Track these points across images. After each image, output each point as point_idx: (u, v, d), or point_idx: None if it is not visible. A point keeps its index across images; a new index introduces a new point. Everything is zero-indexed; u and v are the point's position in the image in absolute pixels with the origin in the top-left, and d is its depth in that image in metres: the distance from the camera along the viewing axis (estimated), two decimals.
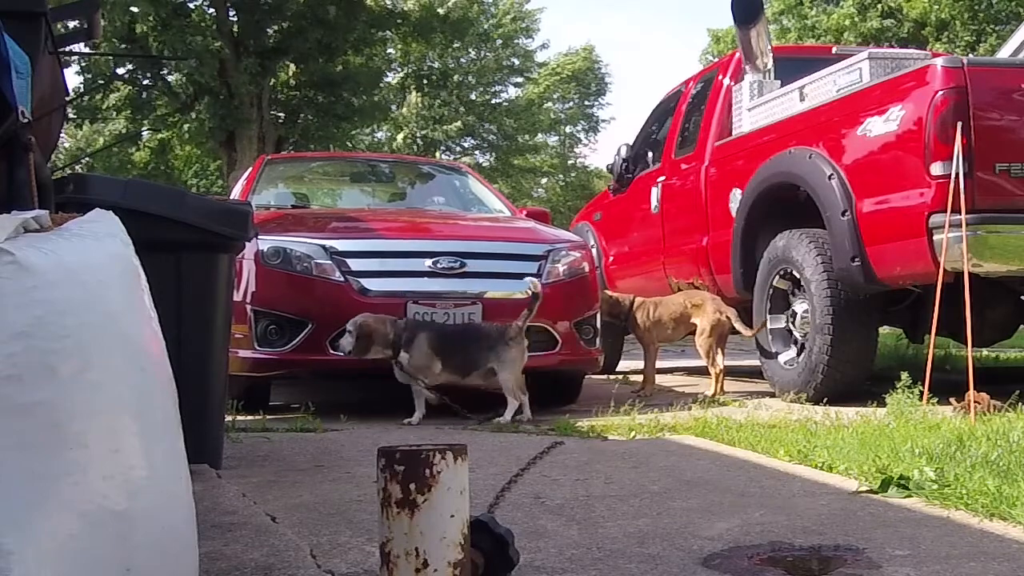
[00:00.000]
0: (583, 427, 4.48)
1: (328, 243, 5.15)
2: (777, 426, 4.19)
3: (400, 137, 31.32)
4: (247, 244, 3.70)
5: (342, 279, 5.04)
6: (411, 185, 7.84)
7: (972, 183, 4.50)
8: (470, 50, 33.32)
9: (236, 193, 6.90)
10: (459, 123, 31.92)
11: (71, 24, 3.08)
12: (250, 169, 7.24)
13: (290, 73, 20.05)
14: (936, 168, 4.58)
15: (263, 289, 5.10)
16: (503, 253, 5.40)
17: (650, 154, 7.81)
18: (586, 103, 37.45)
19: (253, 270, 5.10)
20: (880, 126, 4.95)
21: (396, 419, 4.80)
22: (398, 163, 9.26)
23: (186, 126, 18.92)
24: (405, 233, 5.63)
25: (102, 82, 17.95)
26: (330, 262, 5.07)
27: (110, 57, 17.05)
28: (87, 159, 24.86)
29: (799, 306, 5.60)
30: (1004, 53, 11.28)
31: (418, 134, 31.35)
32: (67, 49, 3.41)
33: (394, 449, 1.77)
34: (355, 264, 5.10)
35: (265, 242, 5.06)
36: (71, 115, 17.34)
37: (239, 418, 4.59)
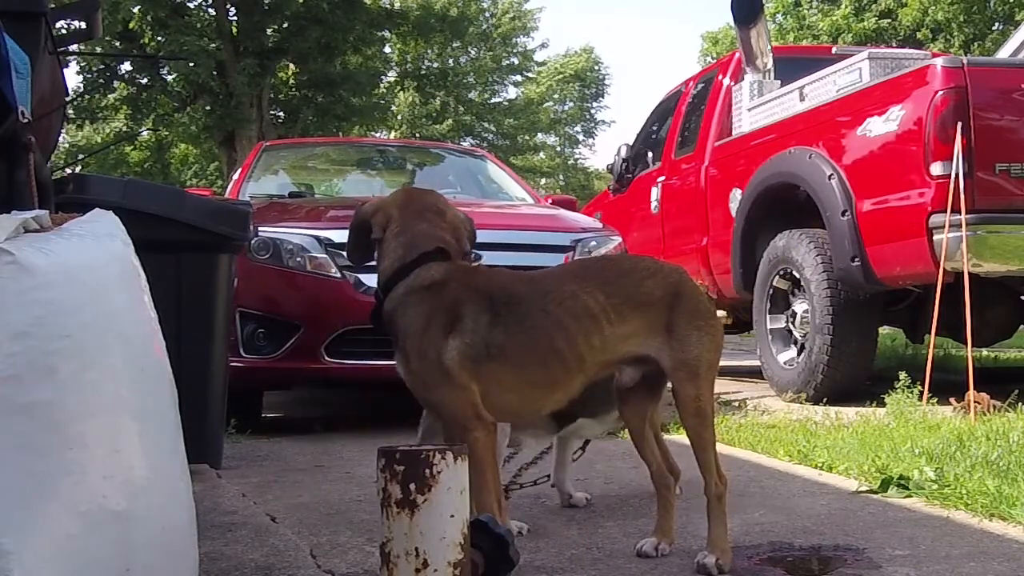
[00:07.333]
0: None
1: (324, 234, 4.55)
2: (777, 426, 4.19)
3: (393, 136, 31.28)
4: None
5: (339, 275, 4.47)
6: (422, 171, 7.04)
7: (972, 183, 4.50)
8: (470, 49, 33.36)
9: (230, 184, 6.39)
10: (450, 121, 31.79)
11: (71, 24, 3.08)
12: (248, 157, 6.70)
13: (289, 73, 20.07)
14: (936, 168, 4.58)
15: (250, 287, 4.43)
16: (524, 244, 4.77)
17: (650, 154, 7.80)
18: (585, 104, 37.48)
19: (238, 265, 4.75)
20: (880, 126, 4.95)
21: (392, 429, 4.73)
22: (408, 148, 8.41)
23: (183, 124, 18.93)
24: None
25: (102, 82, 17.96)
26: (325, 256, 4.50)
27: (109, 57, 17.05)
28: (83, 157, 24.83)
29: (799, 306, 5.59)
30: (1004, 53, 11.26)
31: (416, 133, 31.32)
32: (67, 49, 3.41)
33: (394, 449, 1.77)
34: None
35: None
36: (71, 115, 17.33)
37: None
